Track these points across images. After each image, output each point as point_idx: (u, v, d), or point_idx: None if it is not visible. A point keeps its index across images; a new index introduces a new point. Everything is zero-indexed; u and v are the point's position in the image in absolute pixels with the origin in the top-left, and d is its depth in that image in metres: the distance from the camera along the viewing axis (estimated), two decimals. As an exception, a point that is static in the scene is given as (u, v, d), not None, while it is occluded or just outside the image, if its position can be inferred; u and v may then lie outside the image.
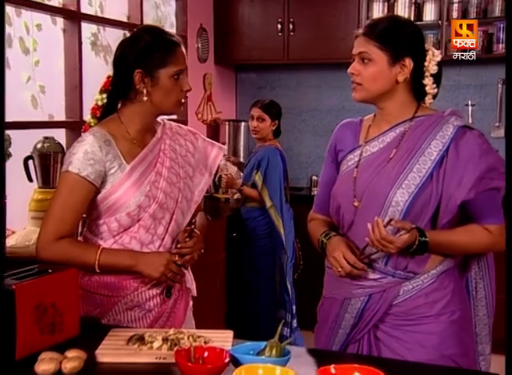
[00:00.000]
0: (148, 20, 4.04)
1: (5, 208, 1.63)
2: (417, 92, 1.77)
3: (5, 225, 1.67)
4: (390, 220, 1.63)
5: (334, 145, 1.89)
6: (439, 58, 1.75)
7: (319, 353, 1.69)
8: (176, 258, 1.78)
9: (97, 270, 1.74)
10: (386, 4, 4.39)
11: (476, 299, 1.81)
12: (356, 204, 1.74)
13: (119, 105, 1.85)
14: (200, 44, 4.57)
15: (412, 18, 4.29)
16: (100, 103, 1.93)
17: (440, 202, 1.67)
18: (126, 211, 1.76)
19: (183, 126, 2.01)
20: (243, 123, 4.58)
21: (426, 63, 1.74)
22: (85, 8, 3.41)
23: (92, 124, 1.95)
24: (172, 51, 1.77)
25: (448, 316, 1.70)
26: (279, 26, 4.56)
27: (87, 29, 3.48)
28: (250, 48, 4.69)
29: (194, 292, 1.98)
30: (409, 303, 1.71)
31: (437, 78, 1.76)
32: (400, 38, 1.72)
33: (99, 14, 3.59)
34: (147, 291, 1.82)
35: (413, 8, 4.32)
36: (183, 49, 1.82)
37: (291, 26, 4.53)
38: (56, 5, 3.24)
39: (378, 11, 4.39)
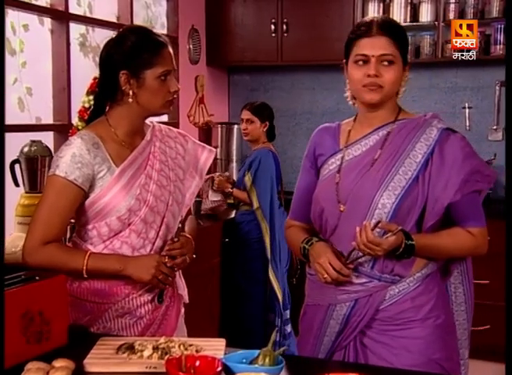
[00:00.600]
0: (138, 21, 4.04)
1: (4, 208, 1.64)
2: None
3: (4, 225, 1.66)
4: (378, 222, 1.64)
5: (313, 150, 1.90)
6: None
7: (304, 361, 1.69)
8: (166, 259, 1.78)
9: (85, 275, 1.74)
10: (382, 4, 4.40)
11: (456, 304, 1.84)
12: (341, 208, 1.75)
13: (107, 108, 1.85)
14: (191, 46, 4.58)
15: (408, 19, 4.32)
16: (87, 105, 1.93)
17: (426, 205, 1.71)
18: (117, 215, 1.76)
19: (172, 128, 2.02)
20: (235, 126, 4.58)
21: (406, 68, 1.80)
22: (73, 9, 3.41)
23: (80, 127, 1.95)
24: (159, 51, 1.77)
25: (433, 320, 1.73)
26: (273, 26, 4.57)
27: (76, 29, 3.48)
28: (243, 49, 4.70)
29: (186, 299, 1.98)
30: (395, 307, 1.72)
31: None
32: (407, 43, 1.80)
33: (88, 14, 3.59)
34: (138, 297, 1.81)
35: (409, 8, 4.33)
36: (171, 50, 1.82)
37: (285, 26, 4.54)
38: (44, 4, 3.23)
39: (373, 11, 4.40)
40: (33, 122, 3.19)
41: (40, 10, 3.18)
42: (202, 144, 2.07)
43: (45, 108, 3.29)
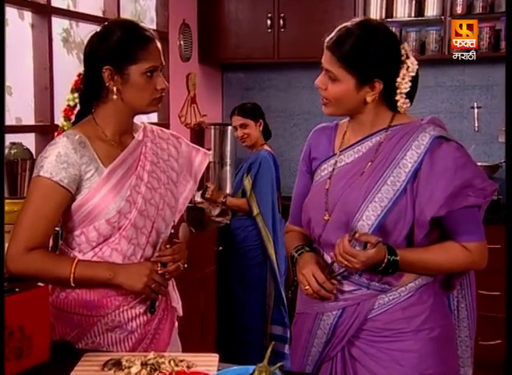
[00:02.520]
0: (126, 15, 4.04)
1: (4, 208, 1.64)
2: (391, 104, 1.78)
3: (4, 225, 1.67)
4: (355, 233, 1.65)
5: (308, 153, 1.92)
6: (413, 73, 1.74)
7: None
8: (159, 267, 1.78)
9: (73, 284, 1.73)
10: (385, -2, 4.42)
11: (458, 319, 1.84)
12: (326, 217, 1.76)
13: (94, 106, 1.85)
14: (182, 42, 4.58)
15: (413, 13, 4.33)
16: (72, 103, 1.93)
17: (414, 217, 1.69)
18: (106, 218, 1.76)
19: (165, 129, 2.02)
20: (229, 128, 4.57)
21: (399, 79, 1.74)
22: (56, 2, 3.41)
23: (65, 128, 1.95)
24: (144, 46, 1.77)
25: (427, 332, 1.72)
26: (269, 22, 4.58)
27: (59, 24, 3.48)
28: (238, 46, 4.70)
29: (180, 312, 1.97)
30: (384, 317, 1.73)
31: (412, 91, 1.76)
32: (368, 61, 1.70)
33: (72, 8, 3.60)
34: (129, 309, 1.81)
35: (413, 2, 4.35)
36: (158, 44, 1.82)
37: (282, 22, 4.55)
38: (24, -2, 3.23)
39: (375, 5, 4.42)
40: (13, 123, 3.19)
41: (20, 3, 3.18)
42: (196, 146, 2.07)
43: (26, 109, 3.29)
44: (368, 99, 1.74)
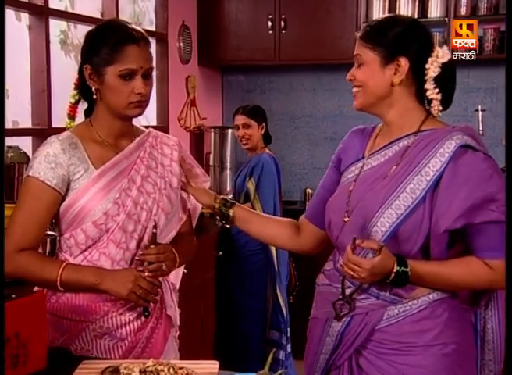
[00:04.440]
0: (125, 16, 4.04)
1: (4, 209, 1.67)
2: (421, 98, 1.74)
3: (4, 226, 1.69)
4: (354, 239, 1.62)
5: (339, 154, 1.91)
6: (444, 60, 1.71)
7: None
8: (146, 273, 1.77)
9: (60, 288, 1.74)
10: (387, -1, 4.43)
11: (483, 341, 1.77)
12: (345, 219, 1.75)
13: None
14: (182, 44, 4.58)
15: (416, 14, 4.34)
16: (72, 100, 1.95)
17: (430, 228, 1.64)
18: (92, 220, 1.76)
19: (172, 137, 2.03)
20: (230, 131, 4.59)
21: (428, 65, 1.71)
22: (53, 3, 3.41)
23: (69, 126, 1.97)
24: (120, 48, 1.76)
25: (439, 348, 1.66)
26: (270, 23, 4.58)
27: (56, 26, 3.48)
28: (238, 48, 4.71)
29: (177, 321, 1.96)
30: (393, 329, 1.69)
31: (444, 82, 1.71)
32: (392, 36, 1.71)
33: (69, 9, 3.60)
34: (118, 316, 1.81)
35: (417, 3, 4.36)
36: (143, 47, 1.79)
37: (283, 23, 4.56)
38: (21, -1, 3.24)
39: (378, 6, 4.43)
40: (10, 126, 3.19)
41: (16, 4, 3.18)
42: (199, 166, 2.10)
43: (23, 111, 3.29)
44: (395, 80, 1.70)
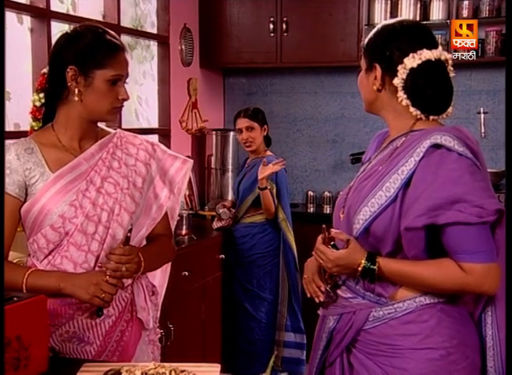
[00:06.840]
0: (126, 19, 4.05)
1: (4, 209, 1.69)
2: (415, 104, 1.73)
3: (4, 226, 1.72)
4: (326, 228, 1.75)
5: (363, 157, 1.98)
6: (413, 65, 1.68)
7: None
8: (107, 276, 1.74)
9: None
10: (389, 1, 4.43)
11: (486, 347, 1.74)
12: (341, 215, 1.81)
13: (57, 108, 1.86)
14: (184, 46, 4.59)
15: (418, 17, 4.34)
16: (38, 104, 1.95)
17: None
18: (49, 223, 1.77)
19: (139, 136, 2.02)
20: (231, 133, 4.59)
21: (398, 72, 1.70)
22: (55, 6, 3.42)
23: (36, 128, 1.97)
24: (113, 53, 1.81)
25: (425, 352, 1.65)
26: (271, 25, 4.59)
27: (58, 28, 3.48)
28: (240, 50, 4.72)
29: (149, 323, 1.95)
30: (378, 331, 1.71)
31: (417, 88, 1.69)
32: (370, 44, 1.78)
33: (71, 12, 3.61)
34: (84, 319, 1.81)
35: (418, 6, 4.37)
36: (126, 56, 1.86)
37: (284, 25, 4.56)
38: (23, 1, 3.24)
39: (379, 9, 4.43)
40: (12, 129, 3.19)
41: (18, 7, 3.19)
42: (175, 153, 2.06)
43: (25, 114, 3.28)
44: (374, 87, 1.75)
